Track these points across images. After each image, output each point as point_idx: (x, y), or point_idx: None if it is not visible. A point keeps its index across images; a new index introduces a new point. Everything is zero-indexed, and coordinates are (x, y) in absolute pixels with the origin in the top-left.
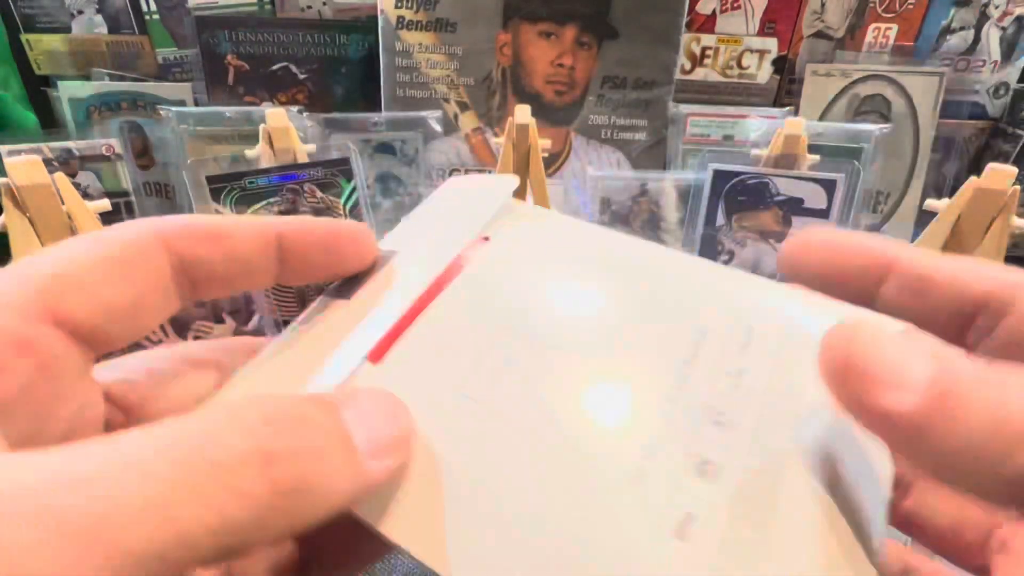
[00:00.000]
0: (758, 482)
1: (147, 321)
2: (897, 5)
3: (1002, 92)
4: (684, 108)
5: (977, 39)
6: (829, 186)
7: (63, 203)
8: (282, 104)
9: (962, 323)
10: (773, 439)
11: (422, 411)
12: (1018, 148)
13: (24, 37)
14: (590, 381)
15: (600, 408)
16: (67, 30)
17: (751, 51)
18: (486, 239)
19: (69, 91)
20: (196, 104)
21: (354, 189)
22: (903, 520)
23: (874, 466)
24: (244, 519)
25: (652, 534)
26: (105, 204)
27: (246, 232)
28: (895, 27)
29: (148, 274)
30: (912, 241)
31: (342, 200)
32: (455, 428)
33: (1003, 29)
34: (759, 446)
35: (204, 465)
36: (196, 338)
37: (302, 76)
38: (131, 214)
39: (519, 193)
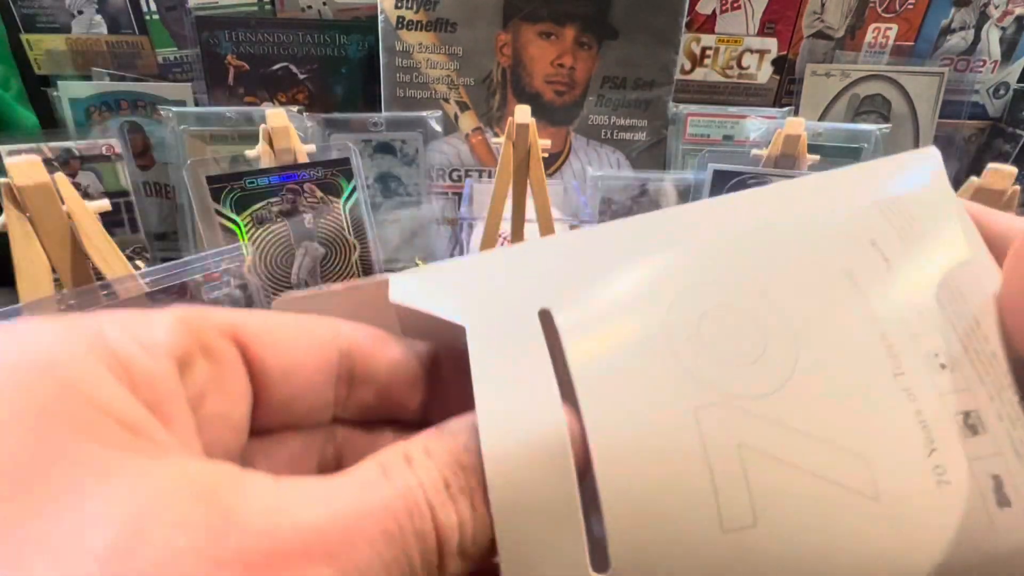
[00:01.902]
0: (1014, 424)
1: (304, 391)
2: (897, 5)
3: (1002, 92)
4: (684, 108)
5: (977, 39)
6: None
7: (63, 203)
8: (282, 104)
9: None
10: (987, 368)
11: None
12: (1018, 148)
13: (24, 37)
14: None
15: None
16: (67, 30)
17: (751, 51)
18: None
19: (69, 91)
20: (196, 104)
21: (354, 189)
22: None
23: None
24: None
25: (980, 508)
26: (105, 204)
27: (408, 344)
28: (895, 27)
29: (321, 348)
30: None
31: (342, 200)
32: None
33: (1003, 29)
34: (987, 380)
35: (409, 531)
36: None
37: (302, 76)
38: (131, 214)
39: (518, 194)
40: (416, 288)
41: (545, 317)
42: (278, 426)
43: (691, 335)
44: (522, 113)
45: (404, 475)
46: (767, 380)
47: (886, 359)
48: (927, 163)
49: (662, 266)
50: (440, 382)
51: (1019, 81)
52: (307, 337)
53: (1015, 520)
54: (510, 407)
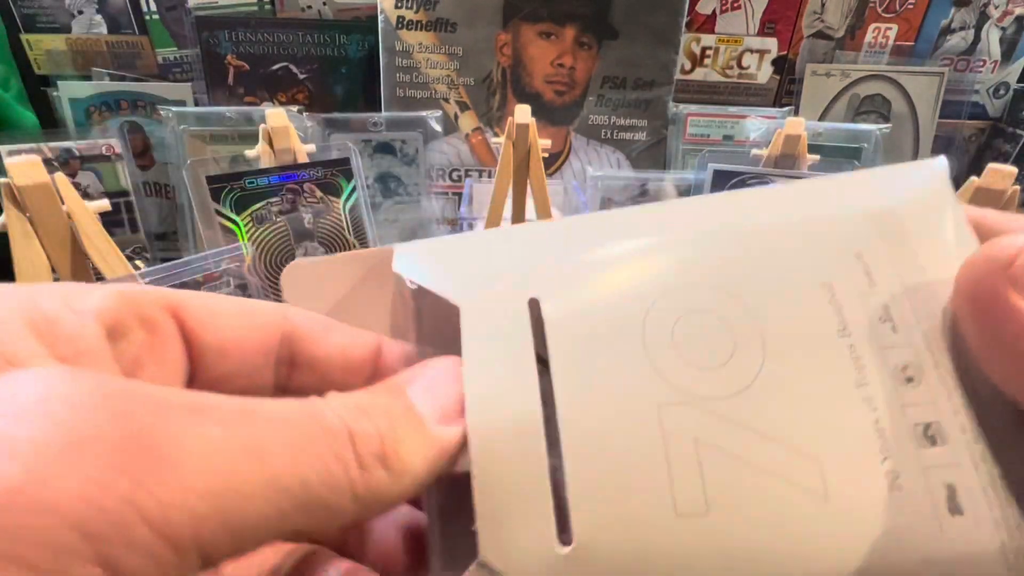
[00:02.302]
0: (976, 438)
1: (242, 369)
2: (897, 5)
3: (1002, 92)
4: (684, 108)
5: (977, 39)
6: None
7: (63, 203)
8: (282, 104)
9: None
10: (955, 382)
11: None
12: (1018, 148)
13: (24, 37)
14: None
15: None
16: (67, 30)
17: (751, 51)
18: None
19: (69, 91)
20: (196, 104)
21: (354, 189)
22: None
23: None
24: (343, 484)
25: (930, 514)
26: (105, 204)
27: (353, 334)
28: (895, 27)
29: (263, 329)
30: None
31: (342, 200)
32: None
33: (1003, 29)
34: (953, 395)
35: (317, 428)
36: None
37: (302, 76)
38: (131, 214)
39: (518, 194)
40: (419, 262)
41: (534, 305)
42: None
43: (665, 337)
44: (522, 113)
45: (317, 401)
46: (731, 383)
47: (852, 370)
48: (931, 173)
49: (648, 266)
50: (384, 371)
51: (1019, 81)
52: (248, 318)
53: (965, 528)
54: (492, 387)
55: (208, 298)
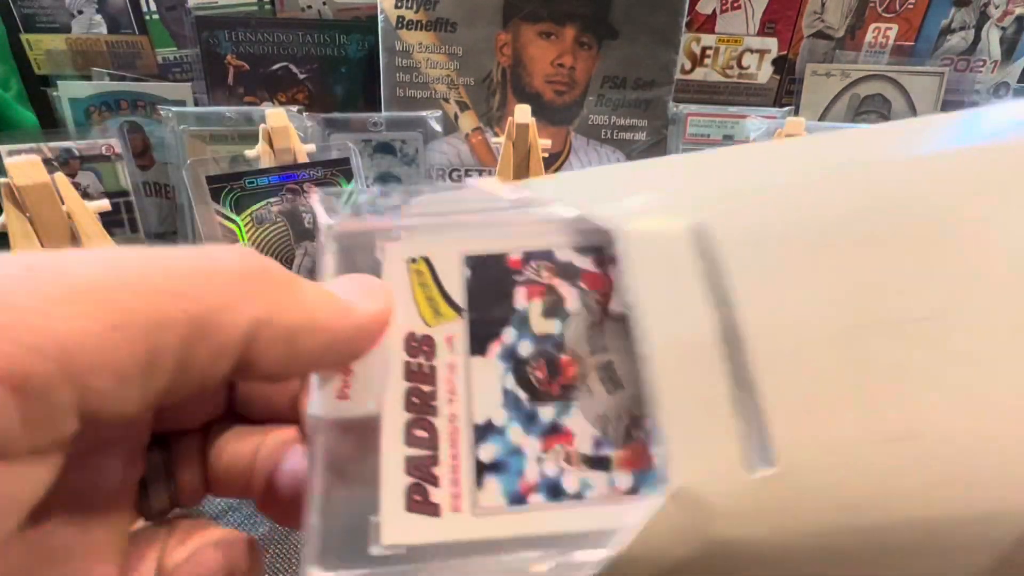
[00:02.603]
0: None
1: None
2: (897, 5)
3: (1002, 92)
4: (684, 108)
5: (977, 39)
6: None
7: (63, 203)
8: (282, 104)
9: None
10: None
11: None
12: None
13: (24, 37)
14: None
15: None
16: (67, 30)
17: (751, 51)
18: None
19: (69, 91)
20: (196, 104)
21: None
22: None
23: None
24: (207, 288)
25: None
26: (105, 204)
27: None
28: (895, 27)
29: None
30: None
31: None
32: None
33: (1003, 29)
34: None
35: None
36: None
37: (302, 76)
38: (131, 214)
39: None
40: (566, 193)
41: (695, 229)
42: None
43: (855, 258)
44: (522, 113)
45: None
46: (929, 305)
47: None
48: None
49: (830, 191)
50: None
51: (1019, 81)
52: None
53: None
54: (666, 307)
55: None
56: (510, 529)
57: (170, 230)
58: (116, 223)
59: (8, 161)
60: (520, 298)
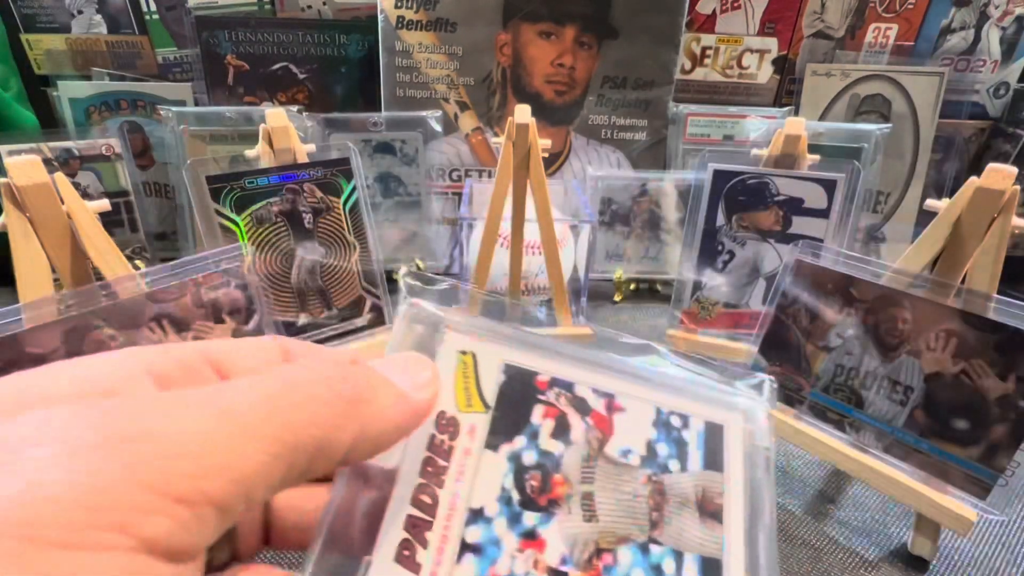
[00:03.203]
0: None
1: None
2: (897, 5)
3: (1002, 92)
4: (684, 108)
5: (977, 39)
6: (829, 186)
7: (63, 203)
8: (282, 104)
9: None
10: None
11: None
12: (1018, 148)
13: (24, 37)
14: None
15: None
16: (67, 30)
17: (751, 51)
18: None
19: (69, 91)
20: (196, 104)
21: (354, 189)
22: None
23: None
24: (327, 416)
25: None
26: (105, 204)
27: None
28: (895, 27)
29: None
30: (912, 241)
31: (342, 200)
32: None
33: (1003, 29)
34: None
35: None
36: (196, 338)
37: (302, 76)
38: (131, 214)
39: (518, 194)
40: None
41: None
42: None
43: None
44: (522, 113)
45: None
46: None
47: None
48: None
49: None
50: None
51: (1019, 81)
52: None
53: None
54: None
55: (233, 344)
56: None
57: (170, 230)
58: (116, 223)
59: (8, 161)
60: (537, 414)
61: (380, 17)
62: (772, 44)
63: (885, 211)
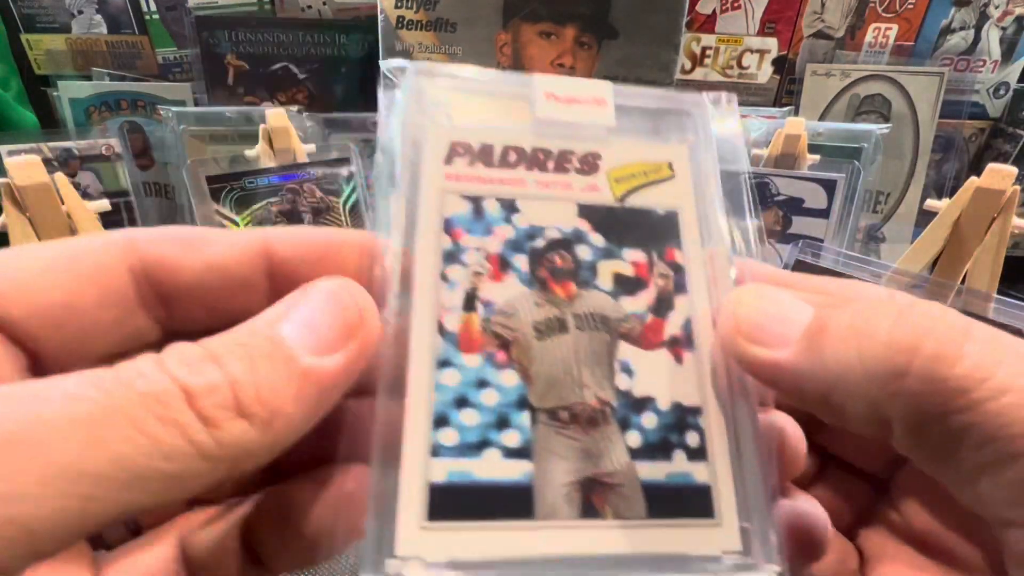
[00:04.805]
0: None
1: (93, 330)
2: (897, 5)
3: (1002, 92)
4: None
5: (977, 39)
6: (829, 186)
7: (63, 203)
8: (282, 104)
9: None
10: None
11: None
12: (1018, 148)
13: (24, 37)
14: None
15: None
16: (67, 30)
17: (751, 51)
18: None
19: (69, 91)
20: (196, 104)
21: (354, 189)
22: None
23: None
24: (182, 448)
25: None
26: (105, 204)
27: (227, 239)
28: (895, 27)
29: (95, 276)
30: (912, 241)
31: (342, 200)
32: None
33: (1003, 29)
34: None
35: (131, 394)
36: None
37: (302, 76)
38: (131, 214)
39: None
40: None
41: None
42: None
43: None
44: None
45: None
46: None
47: None
48: None
49: None
50: (286, 275)
51: (1019, 81)
52: (72, 272)
53: None
54: None
55: (7, 264)
56: None
57: None
58: (116, 223)
59: (8, 161)
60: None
61: (380, 17)
62: (772, 44)
63: (885, 211)
